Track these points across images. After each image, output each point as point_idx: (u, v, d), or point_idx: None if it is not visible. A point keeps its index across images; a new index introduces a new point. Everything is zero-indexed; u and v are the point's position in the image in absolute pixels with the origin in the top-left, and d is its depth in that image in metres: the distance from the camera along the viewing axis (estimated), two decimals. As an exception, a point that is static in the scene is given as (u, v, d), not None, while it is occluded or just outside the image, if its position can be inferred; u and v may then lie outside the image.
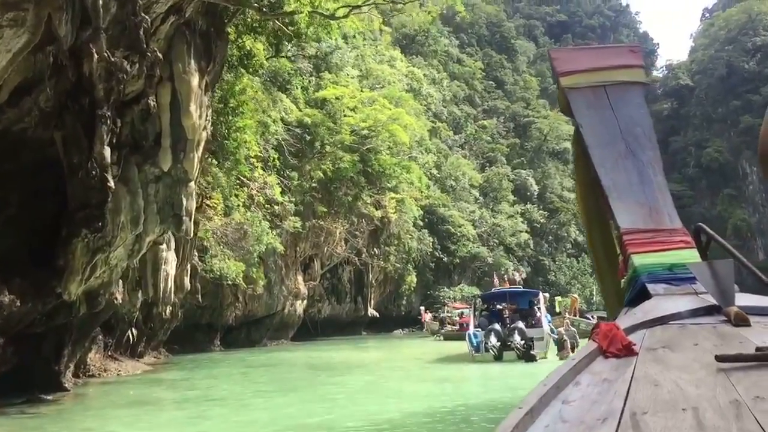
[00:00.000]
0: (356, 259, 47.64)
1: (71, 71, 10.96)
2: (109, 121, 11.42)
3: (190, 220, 15.64)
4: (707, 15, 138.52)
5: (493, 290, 33.37)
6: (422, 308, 52.13)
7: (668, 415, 1.44)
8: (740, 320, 2.35)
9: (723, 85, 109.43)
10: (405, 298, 58.48)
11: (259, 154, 32.78)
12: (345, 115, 41.52)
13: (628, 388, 1.68)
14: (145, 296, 21.34)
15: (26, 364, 13.89)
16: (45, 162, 12.02)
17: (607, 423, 1.44)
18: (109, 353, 21.33)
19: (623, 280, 3.83)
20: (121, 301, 17.10)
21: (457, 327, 40.85)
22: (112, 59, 11.15)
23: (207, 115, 15.49)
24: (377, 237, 50.79)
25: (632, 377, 1.79)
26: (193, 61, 13.51)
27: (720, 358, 1.78)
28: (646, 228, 3.63)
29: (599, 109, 4.24)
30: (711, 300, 2.66)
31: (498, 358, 21.43)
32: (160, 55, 12.33)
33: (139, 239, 14.18)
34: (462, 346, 26.67)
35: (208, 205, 26.89)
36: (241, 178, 31.02)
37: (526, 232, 79.81)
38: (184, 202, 14.84)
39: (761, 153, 1.14)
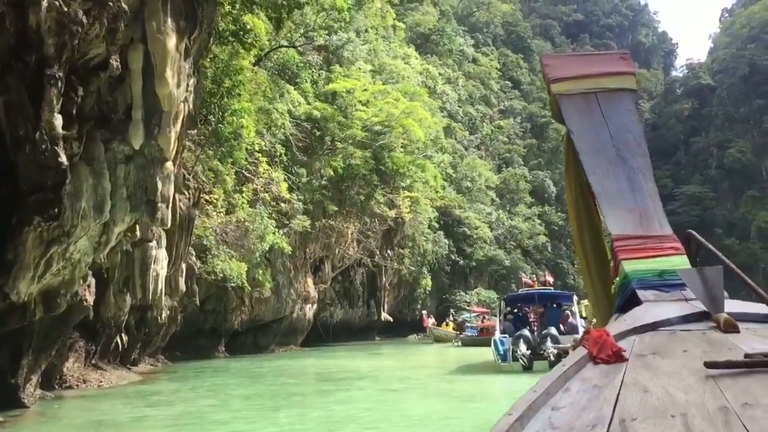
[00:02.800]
0: (369, 261, 45.56)
1: (14, 22, 8.99)
2: (60, 84, 9.40)
3: (168, 207, 13.58)
4: (726, 15, 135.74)
5: (520, 291, 31.09)
6: (424, 313, 50.02)
7: (657, 421, 1.46)
8: (729, 327, 2.37)
9: (745, 84, 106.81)
10: (420, 302, 56.79)
11: (264, 148, 30.82)
12: (356, 110, 39.50)
13: (618, 395, 1.69)
14: (134, 298, 19.31)
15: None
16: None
17: (597, 429, 1.45)
18: (93, 362, 19.31)
19: (613, 286, 3.89)
20: (90, 303, 15.08)
21: (477, 332, 38.94)
22: (64, 9, 9.15)
23: (188, 85, 13.42)
24: (391, 238, 48.88)
25: (622, 383, 1.81)
26: (170, 20, 11.47)
27: (709, 365, 1.80)
28: (636, 234, 3.70)
29: (590, 115, 4.31)
30: (701, 306, 2.68)
31: (528, 368, 18.93)
32: (125, 5, 10.30)
33: (107, 230, 12.15)
34: (483, 353, 24.94)
35: (207, 201, 24.85)
36: (245, 173, 29.03)
37: (544, 234, 78.12)
38: (160, 185, 12.75)
39: None
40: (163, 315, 23.86)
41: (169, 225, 14.85)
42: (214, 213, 25.75)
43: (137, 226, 15.30)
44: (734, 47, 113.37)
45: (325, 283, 42.90)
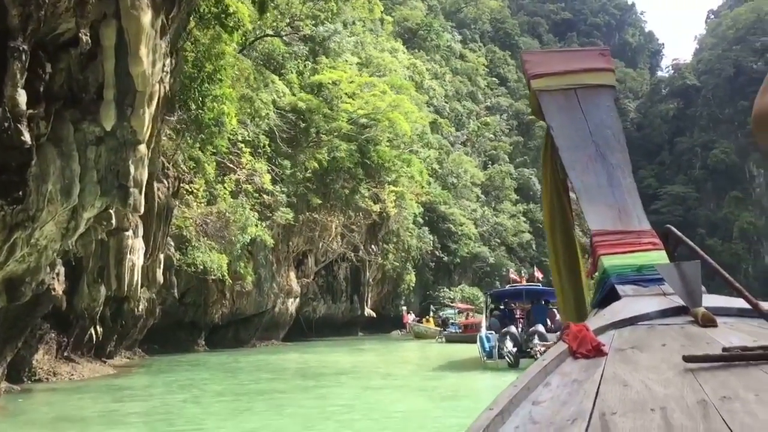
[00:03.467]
0: (353, 255, 45.01)
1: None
2: (25, 58, 8.80)
3: (140, 192, 12.92)
4: (712, 16, 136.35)
5: (507, 287, 30.62)
6: (404, 308, 49.52)
7: (636, 415, 1.46)
8: (707, 321, 2.39)
9: (730, 85, 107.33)
10: (403, 298, 56.50)
11: (247, 138, 30.17)
12: (342, 102, 38.90)
13: (598, 389, 1.70)
14: (108, 289, 18.64)
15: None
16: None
17: (577, 423, 1.46)
18: (65, 354, 18.64)
19: (593, 281, 4.07)
20: (59, 292, 14.46)
21: (460, 329, 38.56)
22: (30, -24, 8.56)
23: (165, 65, 12.79)
24: (375, 233, 48.40)
25: (601, 378, 1.82)
26: (145, -6, 10.90)
27: (687, 359, 1.82)
28: (615, 230, 3.76)
29: (570, 111, 4.37)
30: (679, 301, 2.70)
31: (514, 365, 18.39)
32: (95, -25, 9.72)
33: (76, 215, 11.53)
34: (467, 350, 24.57)
35: (187, 191, 24.15)
36: (227, 164, 28.36)
37: (529, 232, 78.02)
38: (132, 169, 12.09)
39: (754, 115, 1.01)
40: (140, 307, 23.22)
41: (142, 211, 14.19)
42: (195, 203, 25.06)
43: (112, 214, 14.68)
44: (720, 48, 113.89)
45: (308, 278, 42.37)
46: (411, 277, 54.83)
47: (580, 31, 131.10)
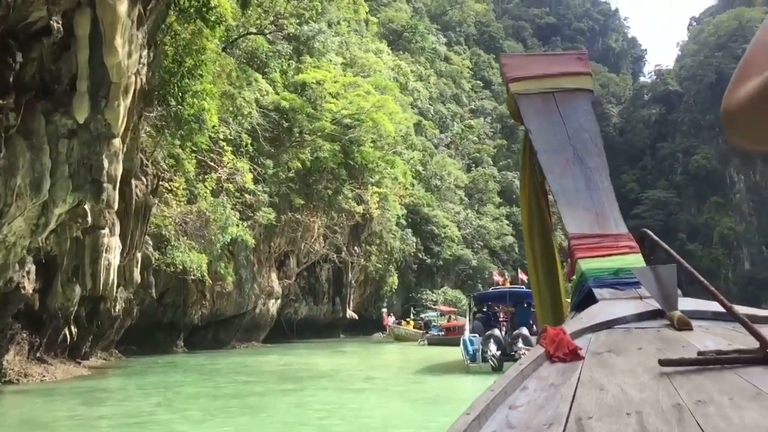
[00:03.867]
0: (335, 257, 44.62)
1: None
2: (-8, 45, 8.42)
3: (115, 188, 12.47)
4: (694, 23, 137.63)
5: (491, 289, 30.34)
6: (384, 311, 49.07)
7: (612, 419, 1.47)
8: (683, 324, 2.43)
9: (712, 91, 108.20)
10: (386, 300, 56.19)
11: (229, 136, 29.73)
12: (326, 102, 38.55)
13: (574, 393, 1.70)
14: (83, 289, 18.14)
15: None
16: None
17: (553, 428, 1.45)
18: (38, 355, 18.11)
19: (570, 285, 4.01)
20: (30, 291, 13.99)
21: (442, 332, 38.30)
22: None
23: (141, 57, 12.36)
24: (358, 235, 48.08)
25: (578, 382, 1.82)
26: (121, -17, 10.49)
27: (663, 363, 1.83)
28: (592, 233, 3.77)
29: (548, 115, 4.38)
30: (655, 304, 2.73)
31: (497, 369, 18.07)
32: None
33: (46, 210, 11.09)
34: (449, 353, 24.34)
35: (167, 189, 23.63)
36: (209, 162, 27.88)
37: (512, 235, 78.03)
38: (106, 164, 11.66)
39: (723, 109, 0.98)
40: (117, 307, 22.72)
41: (116, 207, 13.78)
42: (174, 202, 24.55)
43: (88, 211, 14.25)
44: (702, 55, 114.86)
45: (289, 279, 41.94)
46: (394, 279, 54.55)
47: (564, 35, 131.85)
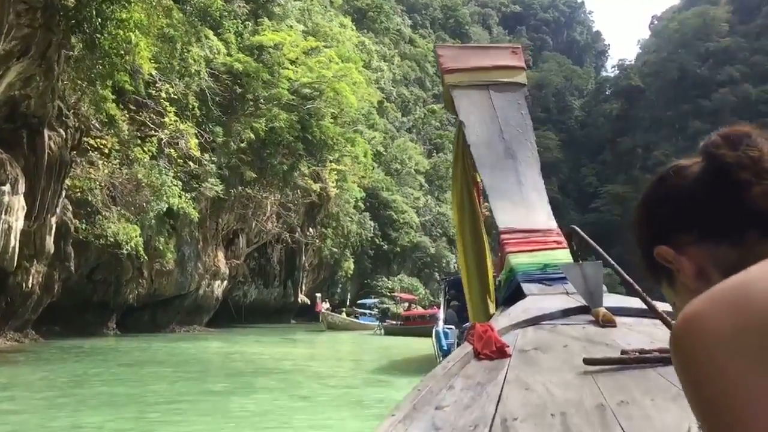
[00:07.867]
0: (288, 237, 41.67)
1: None
2: None
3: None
4: (656, 22, 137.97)
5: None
6: (318, 296, 45.68)
7: (537, 420, 1.45)
8: (607, 321, 2.60)
9: (674, 88, 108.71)
10: (340, 285, 53.99)
11: (173, 95, 26.51)
12: (284, 68, 35.48)
13: (501, 392, 1.69)
14: (-22, 257, 15.00)
15: None
16: None
17: (479, 430, 1.44)
18: None
19: (499, 279, 4.26)
20: None
21: (400, 321, 35.90)
22: None
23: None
24: (314, 215, 45.31)
25: (504, 380, 1.81)
26: None
27: (587, 362, 1.87)
28: (521, 228, 3.96)
29: (482, 108, 4.55)
30: (582, 300, 2.86)
31: None
32: None
33: None
34: (408, 344, 22.85)
35: (91, 146, 20.32)
36: (147, 123, 24.61)
37: (472, 223, 76.43)
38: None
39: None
40: (30, 281, 19.53)
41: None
42: (101, 162, 21.20)
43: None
44: (665, 51, 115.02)
45: (238, 259, 39.01)
46: (349, 264, 52.20)
47: (529, 25, 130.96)
